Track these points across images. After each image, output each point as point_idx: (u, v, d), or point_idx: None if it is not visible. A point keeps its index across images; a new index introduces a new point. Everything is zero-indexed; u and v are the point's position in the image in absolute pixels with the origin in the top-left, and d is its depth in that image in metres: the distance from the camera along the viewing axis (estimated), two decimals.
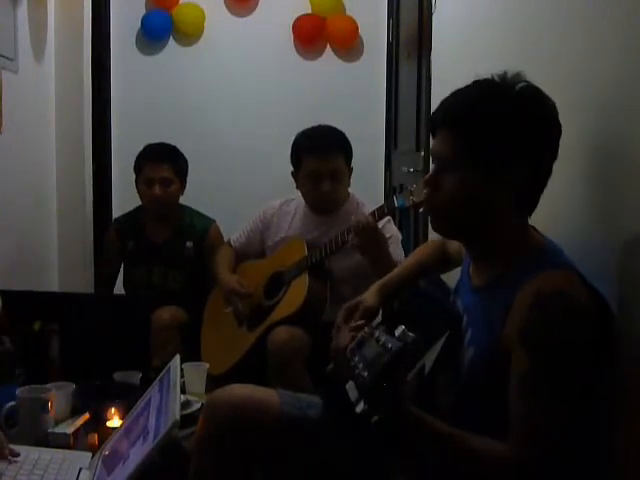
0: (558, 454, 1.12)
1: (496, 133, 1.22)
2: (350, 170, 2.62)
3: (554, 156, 1.28)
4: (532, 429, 1.13)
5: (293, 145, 2.63)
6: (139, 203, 3.04)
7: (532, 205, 1.30)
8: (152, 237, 3.02)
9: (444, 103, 1.30)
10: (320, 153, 2.52)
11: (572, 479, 1.17)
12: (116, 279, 3.15)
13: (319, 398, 1.54)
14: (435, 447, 1.15)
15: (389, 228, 2.54)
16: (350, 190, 2.67)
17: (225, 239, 2.98)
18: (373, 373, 1.03)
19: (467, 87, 1.29)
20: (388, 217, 2.43)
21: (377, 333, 1.09)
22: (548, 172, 1.28)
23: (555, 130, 1.27)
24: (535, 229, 1.33)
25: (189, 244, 2.98)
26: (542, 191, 1.29)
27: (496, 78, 1.27)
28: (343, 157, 2.56)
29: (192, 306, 2.83)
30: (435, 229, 1.37)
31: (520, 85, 1.26)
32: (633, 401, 1.19)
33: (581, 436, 1.17)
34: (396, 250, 2.50)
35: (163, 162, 2.92)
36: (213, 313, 2.80)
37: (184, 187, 3.01)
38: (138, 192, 2.99)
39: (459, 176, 1.24)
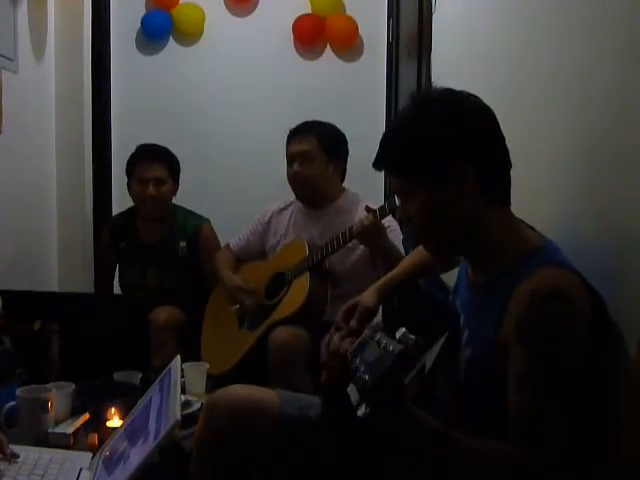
0: (558, 453, 1.12)
1: (419, 154, 1.26)
2: (338, 164, 2.64)
3: (494, 140, 1.27)
4: (530, 428, 1.13)
5: None
6: None
7: (503, 197, 1.29)
8: (145, 238, 3.01)
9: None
10: (291, 138, 2.64)
11: (571, 478, 1.17)
12: (113, 280, 3.14)
13: (319, 399, 1.54)
14: (434, 448, 1.15)
15: (388, 219, 2.54)
16: (347, 187, 2.70)
17: (224, 240, 2.98)
18: (375, 376, 1.03)
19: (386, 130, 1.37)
20: None
21: (378, 335, 1.08)
22: (498, 159, 1.28)
23: (474, 118, 1.26)
24: (533, 229, 1.33)
25: (182, 244, 2.96)
26: (505, 180, 1.29)
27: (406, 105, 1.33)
28: (315, 139, 2.59)
29: (189, 306, 2.82)
30: (431, 253, 1.41)
31: (419, 96, 1.32)
32: (633, 400, 1.18)
33: (580, 435, 1.17)
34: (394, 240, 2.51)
35: (155, 162, 2.91)
36: (214, 313, 2.80)
37: (177, 187, 3.00)
38: (130, 194, 2.97)
39: (416, 200, 1.28)
